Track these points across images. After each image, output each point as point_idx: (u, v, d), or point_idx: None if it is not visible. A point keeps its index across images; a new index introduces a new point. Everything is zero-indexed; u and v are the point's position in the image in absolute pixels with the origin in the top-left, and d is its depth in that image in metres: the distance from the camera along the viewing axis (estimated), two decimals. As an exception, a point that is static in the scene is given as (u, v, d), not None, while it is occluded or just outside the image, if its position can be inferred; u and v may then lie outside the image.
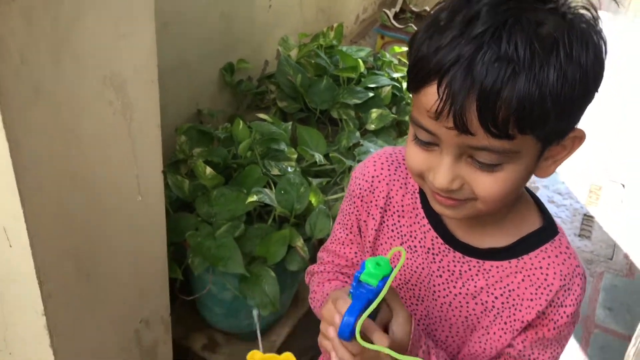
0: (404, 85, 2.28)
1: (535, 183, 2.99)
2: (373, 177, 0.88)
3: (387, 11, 3.01)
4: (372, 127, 2.04)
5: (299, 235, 1.45)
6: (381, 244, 0.89)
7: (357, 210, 0.90)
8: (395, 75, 2.24)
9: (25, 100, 0.83)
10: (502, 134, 0.63)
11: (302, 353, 2.01)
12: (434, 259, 0.84)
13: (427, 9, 3.10)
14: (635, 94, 3.77)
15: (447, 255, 0.83)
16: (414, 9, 3.15)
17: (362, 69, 2.13)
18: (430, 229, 0.84)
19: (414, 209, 0.85)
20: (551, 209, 2.80)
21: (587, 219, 2.81)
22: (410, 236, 0.86)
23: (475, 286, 0.82)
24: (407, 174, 0.86)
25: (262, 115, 1.86)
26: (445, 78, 0.62)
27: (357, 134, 1.98)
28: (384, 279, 0.69)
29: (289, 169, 1.58)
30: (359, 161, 1.76)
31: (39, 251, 0.94)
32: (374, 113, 2.05)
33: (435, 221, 0.84)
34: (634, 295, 2.37)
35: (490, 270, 0.81)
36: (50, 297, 1.00)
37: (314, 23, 2.71)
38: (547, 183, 3.00)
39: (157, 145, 1.17)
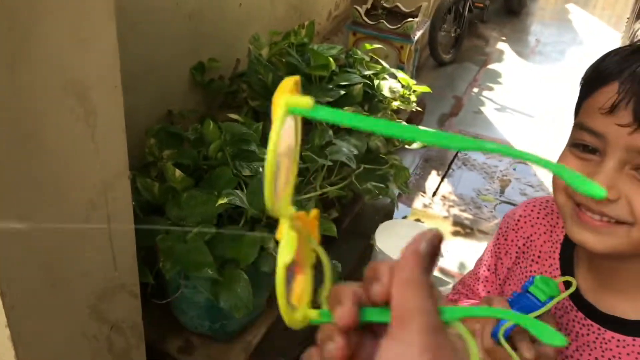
0: (376, 82, 2.29)
1: (507, 176, 3.02)
2: (520, 216, 0.87)
3: (359, 8, 3.01)
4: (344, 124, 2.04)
5: (271, 236, 1.45)
6: (509, 285, 0.87)
7: (498, 248, 0.89)
8: (367, 72, 2.25)
9: (-19, 110, 0.81)
10: None
11: (279, 352, 2.02)
12: (555, 312, 0.78)
13: (399, 5, 3.11)
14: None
15: (568, 313, 0.77)
16: (385, 5, 3.15)
17: (334, 67, 2.13)
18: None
19: (550, 257, 0.82)
20: (523, 201, 2.83)
21: (559, 210, 2.85)
22: None
23: (589, 354, 0.74)
24: (556, 222, 0.83)
25: (233, 115, 1.85)
26: (626, 72, 0.63)
27: (330, 132, 1.98)
28: (550, 299, 0.68)
29: (261, 170, 1.58)
30: (331, 160, 1.76)
31: (0, 262, 0.93)
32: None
33: (567, 275, 0.78)
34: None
35: (610, 341, 0.72)
36: (13, 308, 0.99)
37: (285, 20, 2.70)
38: (519, 175, 3.04)
39: (123, 151, 1.16)
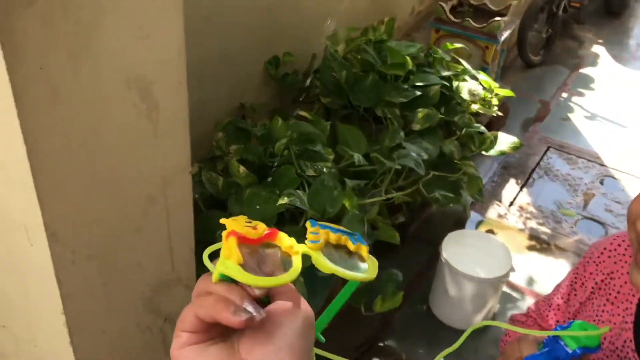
0: (455, 84, 2.20)
1: (592, 189, 2.84)
2: (605, 249, 0.81)
3: (444, 4, 2.90)
4: (417, 127, 1.97)
5: (329, 241, 1.41)
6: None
7: (576, 278, 0.85)
8: (446, 73, 2.16)
9: (43, 103, 0.82)
10: None
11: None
12: None
13: (487, 2, 2.98)
14: None
15: None
16: (472, 2, 3.03)
17: (411, 66, 2.05)
18: (629, 329, 0.73)
19: (627, 300, 0.76)
20: (608, 218, 2.65)
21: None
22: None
23: None
24: None
25: (302, 113, 1.82)
26: None
27: (402, 133, 1.92)
28: (583, 348, 0.63)
29: (324, 170, 1.54)
30: (399, 165, 1.70)
31: (57, 252, 0.94)
32: (420, 113, 1.98)
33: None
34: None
35: None
36: (69, 296, 1.01)
37: (366, 14, 2.64)
38: (606, 190, 2.84)
39: (185, 147, 1.16)
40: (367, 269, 0.49)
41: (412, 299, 2.20)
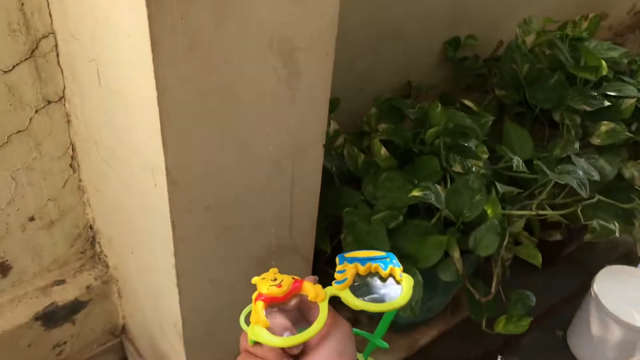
0: (657, 100, 1.90)
1: None
2: None
3: (671, 6, 2.51)
4: (597, 141, 1.74)
5: (457, 246, 1.31)
6: None
7: None
8: (648, 86, 1.87)
9: (178, 53, 0.83)
10: None
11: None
12: None
13: None
14: None
15: None
16: None
17: (606, 71, 1.80)
18: None
19: None
20: None
21: None
22: None
23: None
24: None
25: (466, 101, 1.69)
26: None
27: (577, 145, 1.71)
28: None
29: (473, 169, 1.42)
30: (560, 181, 1.52)
31: (175, 197, 0.97)
32: (604, 126, 1.74)
33: None
34: None
35: None
36: (182, 241, 1.04)
37: (572, 6, 2.38)
38: None
39: (322, 119, 1.12)
40: (400, 291, 0.52)
41: (549, 324, 2.00)
